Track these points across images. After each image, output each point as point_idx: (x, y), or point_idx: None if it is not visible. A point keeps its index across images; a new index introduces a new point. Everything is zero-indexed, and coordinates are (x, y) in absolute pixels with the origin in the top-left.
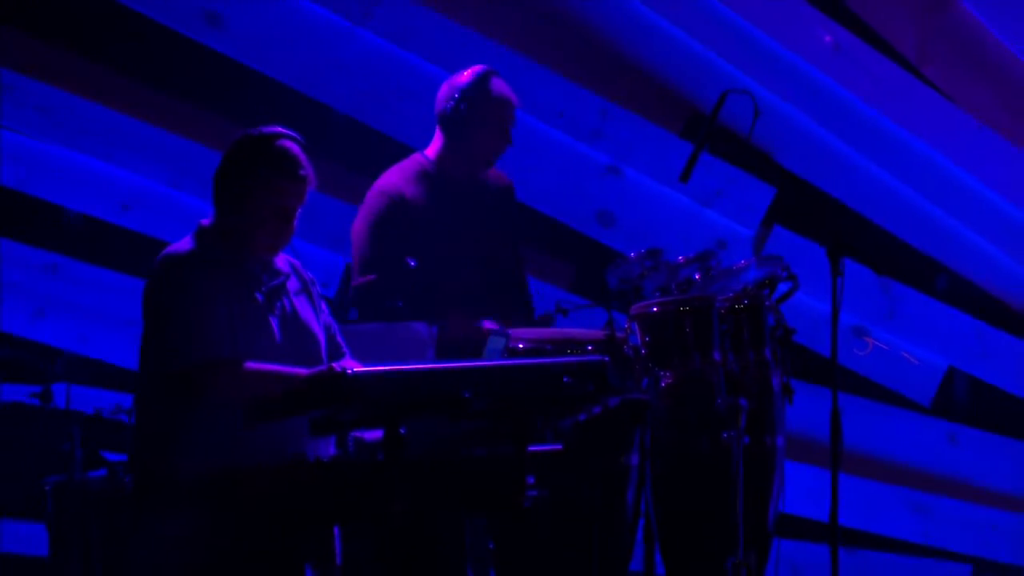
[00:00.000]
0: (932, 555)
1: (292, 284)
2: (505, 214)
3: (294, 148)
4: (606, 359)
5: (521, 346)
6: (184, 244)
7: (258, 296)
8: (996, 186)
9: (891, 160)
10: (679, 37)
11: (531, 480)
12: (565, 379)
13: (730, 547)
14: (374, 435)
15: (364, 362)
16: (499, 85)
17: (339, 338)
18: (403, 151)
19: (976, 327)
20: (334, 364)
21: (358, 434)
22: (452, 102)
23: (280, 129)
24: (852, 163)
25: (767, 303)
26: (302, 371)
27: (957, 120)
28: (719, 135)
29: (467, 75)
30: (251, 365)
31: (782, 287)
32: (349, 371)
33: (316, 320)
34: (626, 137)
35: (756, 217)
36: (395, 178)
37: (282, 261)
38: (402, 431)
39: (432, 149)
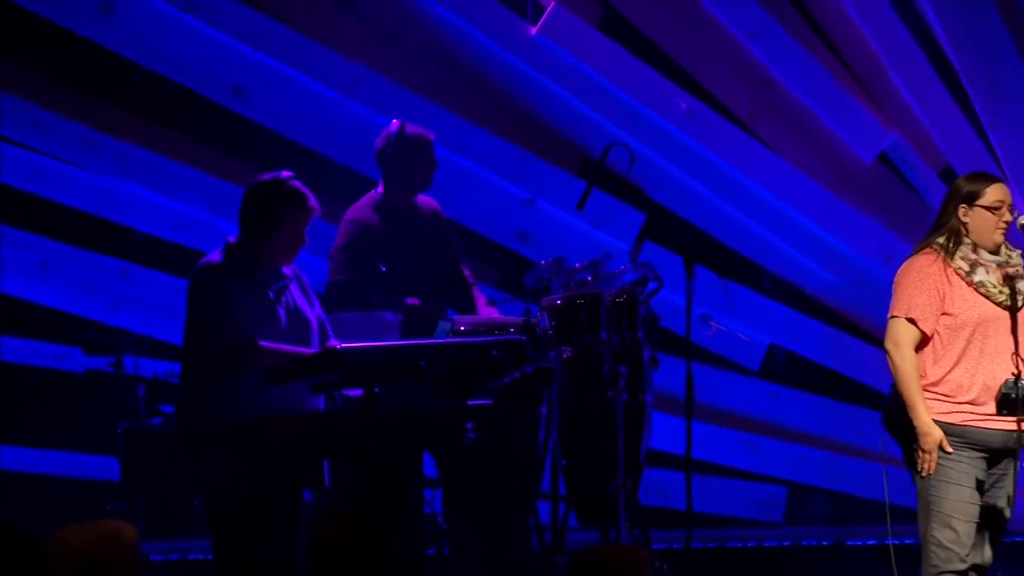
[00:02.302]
0: (759, 480)
1: (294, 285)
2: (438, 228)
3: (303, 187)
4: (524, 338)
5: (462, 328)
6: (215, 256)
7: (270, 293)
8: (807, 214)
9: (730, 194)
10: (576, 105)
11: (470, 425)
12: (494, 352)
13: (613, 474)
14: (356, 393)
15: (348, 341)
16: (412, 129)
17: (327, 325)
18: (375, 186)
19: (791, 315)
20: (328, 344)
21: (344, 392)
22: (381, 148)
23: (288, 173)
24: (701, 196)
25: (640, 298)
26: (300, 349)
27: (779, 166)
28: (605, 176)
29: (391, 126)
30: (263, 343)
31: (651, 286)
32: (338, 348)
33: (311, 311)
34: (539, 178)
35: (632, 235)
36: (359, 211)
37: (287, 267)
38: (376, 390)
39: (381, 186)
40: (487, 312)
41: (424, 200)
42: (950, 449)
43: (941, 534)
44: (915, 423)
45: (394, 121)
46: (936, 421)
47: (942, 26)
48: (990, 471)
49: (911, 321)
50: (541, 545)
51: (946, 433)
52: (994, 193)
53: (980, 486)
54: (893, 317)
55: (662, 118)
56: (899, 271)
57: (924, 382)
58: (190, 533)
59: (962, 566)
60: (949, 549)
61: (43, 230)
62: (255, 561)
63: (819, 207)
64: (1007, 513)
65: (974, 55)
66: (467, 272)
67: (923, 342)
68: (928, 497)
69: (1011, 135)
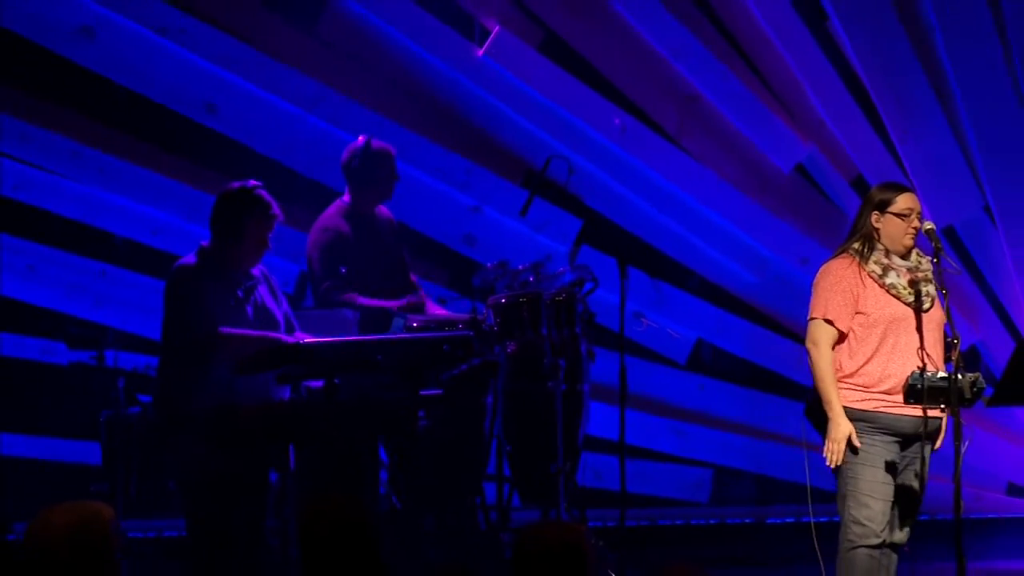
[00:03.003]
0: (687, 463)
1: (262, 285)
2: (395, 236)
3: (267, 195)
4: (471, 334)
5: (415, 324)
6: (189, 259)
7: (239, 293)
8: (730, 219)
9: (660, 202)
10: (519, 120)
11: (422, 413)
12: (445, 347)
13: (553, 458)
14: (318, 384)
15: (312, 335)
16: (377, 144)
17: (293, 320)
18: (335, 195)
19: (716, 312)
20: (295, 337)
21: (307, 383)
22: (347, 160)
23: (255, 182)
24: (633, 204)
25: (578, 296)
26: (259, 332)
27: (704, 176)
28: (546, 185)
29: (358, 140)
30: (223, 329)
31: (588, 286)
32: (302, 342)
33: (277, 308)
34: (484, 187)
35: (570, 239)
36: (331, 219)
37: (255, 268)
38: (336, 381)
39: (347, 195)
40: (437, 310)
41: (382, 210)
42: (858, 444)
43: (858, 512)
44: (828, 415)
45: (360, 136)
46: (851, 408)
47: (854, 48)
48: (902, 454)
49: (828, 322)
50: (487, 522)
51: (860, 419)
52: (904, 201)
53: (893, 468)
54: (812, 319)
55: (597, 132)
56: (818, 274)
57: (841, 374)
58: (166, 513)
59: (876, 541)
60: (865, 526)
61: (31, 235)
62: (224, 537)
63: (741, 213)
64: (919, 494)
65: (883, 75)
66: (414, 277)
67: (839, 338)
68: (845, 478)
69: (917, 148)
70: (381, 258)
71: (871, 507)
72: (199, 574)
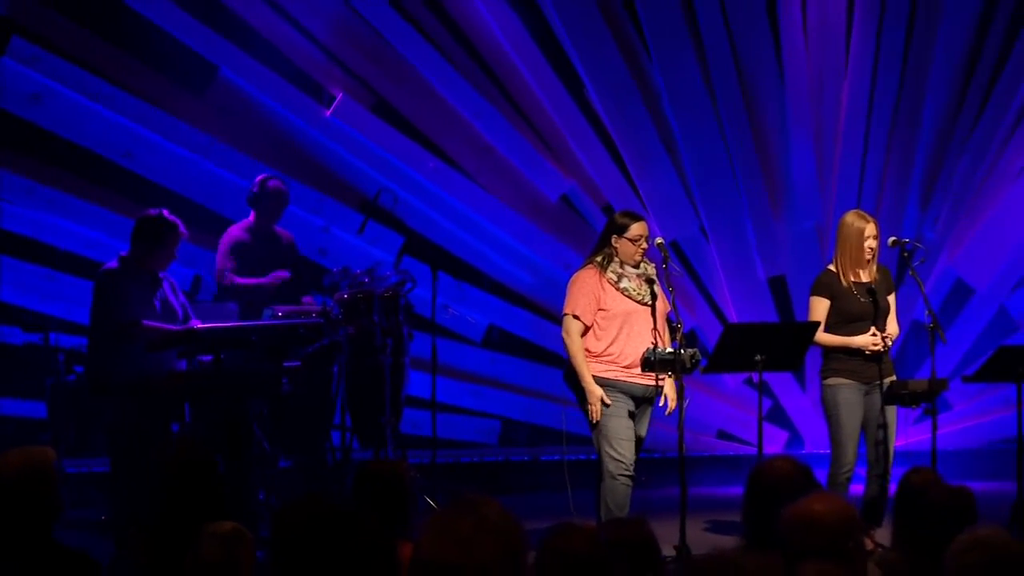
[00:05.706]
0: (482, 416)
1: (166, 284)
2: (291, 251)
3: (175, 218)
4: (322, 321)
5: (280, 313)
6: (112, 264)
7: (148, 290)
8: (514, 236)
9: (461, 223)
10: (357, 162)
11: (285, 380)
12: (301, 330)
13: (382, 412)
14: (208, 358)
15: (204, 322)
16: (274, 183)
17: (190, 310)
18: (226, 220)
19: (503, 304)
20: (189, 324)
21: (200, 357)
22: (252, 191)
23: (165, 210)
24: (442, 225)
25: (401, 293)
26: (169, 326)
27: (494, 203)
28: (377, 211)
29: (257, 178)
30: (145, 322)
31: (408, 285)
32: (195, 327)
33: (176, 302)
34: (333, 211)
35: (395, 251)
36: (236, 230)
37: (162, 273)
38: (222, 356)
39: (251, 217)
40: (306, 299)
41: (283, 232)
42: (609, 401)
43: (612, 450)
44: (583, 384)
45: (259, 176)
46: (599, 376)
47: (604, 109)
48: (636, 410)
49: (576, 317)
50: (334, 461)
51: (605, 384)
52: (636, 229)
53: (632, 418)
54: (565, 314)
55: (415, 172)
56: (570, 279)
57: (591, 353)
58: (95, 454)
59: (630, 472)
60: (619, 461)
61: None
62: (138, 473)
63: (521, 231)
64: (643, 439)
65: (625, 129)
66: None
67: (588, 328)
68: (600, 427)
69: (650, 183)
70: (270, 263)
71: (623, 446)
72: (120, 500)
